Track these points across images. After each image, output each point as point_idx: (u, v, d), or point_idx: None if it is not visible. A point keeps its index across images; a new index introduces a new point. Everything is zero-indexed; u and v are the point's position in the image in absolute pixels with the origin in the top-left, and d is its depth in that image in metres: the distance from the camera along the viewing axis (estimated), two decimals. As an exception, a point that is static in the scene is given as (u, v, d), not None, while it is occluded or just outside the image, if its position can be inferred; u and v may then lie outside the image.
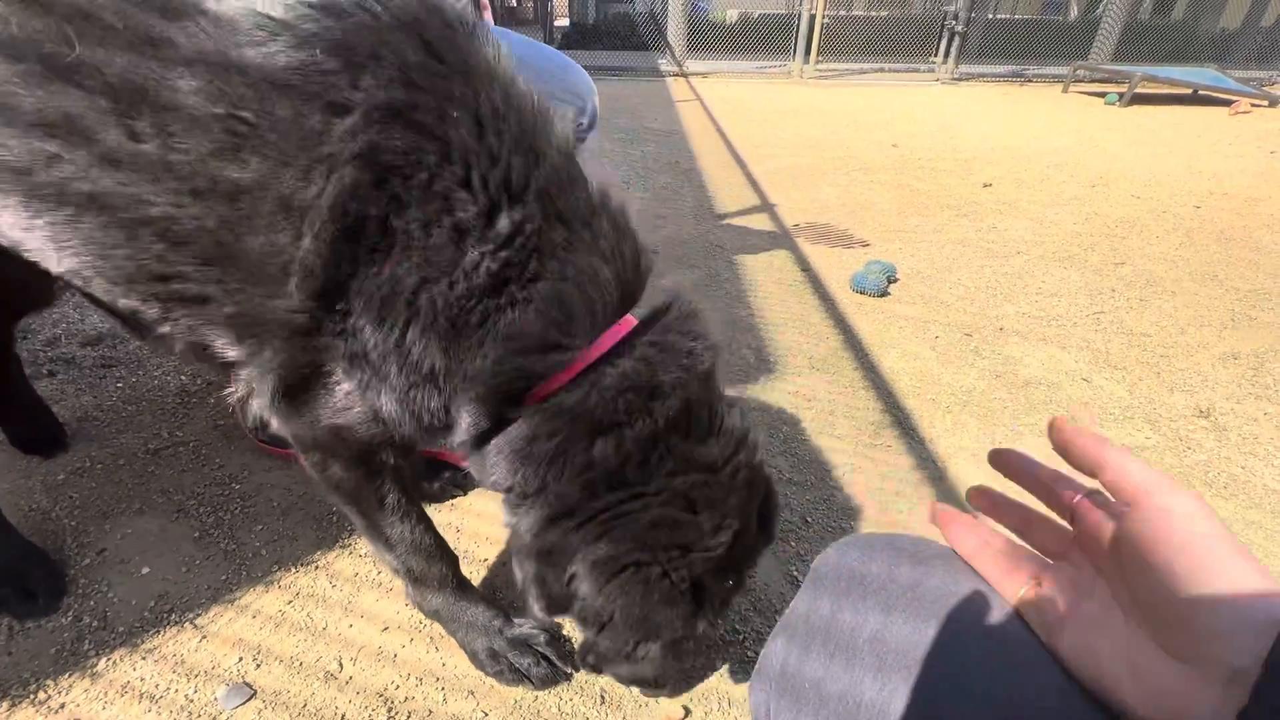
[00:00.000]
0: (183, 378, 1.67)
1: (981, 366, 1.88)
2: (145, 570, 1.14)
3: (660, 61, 8.90)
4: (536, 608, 0.77)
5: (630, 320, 0.73)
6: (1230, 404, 1.75)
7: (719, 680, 1.01)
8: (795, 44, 8.46)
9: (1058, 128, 5.54)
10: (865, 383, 1.79)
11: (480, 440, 0.72)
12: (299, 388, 0.73)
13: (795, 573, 1.19)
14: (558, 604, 0.76)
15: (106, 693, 0.95)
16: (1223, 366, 1.93)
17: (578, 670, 1.01)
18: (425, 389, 0.68)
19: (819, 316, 2.16)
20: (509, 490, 0.74)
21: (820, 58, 8.48)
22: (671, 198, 3.36)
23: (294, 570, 1.16)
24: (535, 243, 0.66)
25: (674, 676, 0.91)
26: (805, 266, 2.54)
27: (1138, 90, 6.65)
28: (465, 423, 0.70)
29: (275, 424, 0.80)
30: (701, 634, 0.77)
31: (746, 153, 4.33)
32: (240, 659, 1.00)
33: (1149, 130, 5.49)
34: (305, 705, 0.94)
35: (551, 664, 0.99)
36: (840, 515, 1.33)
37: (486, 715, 0.95)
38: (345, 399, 0.73)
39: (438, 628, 1.05)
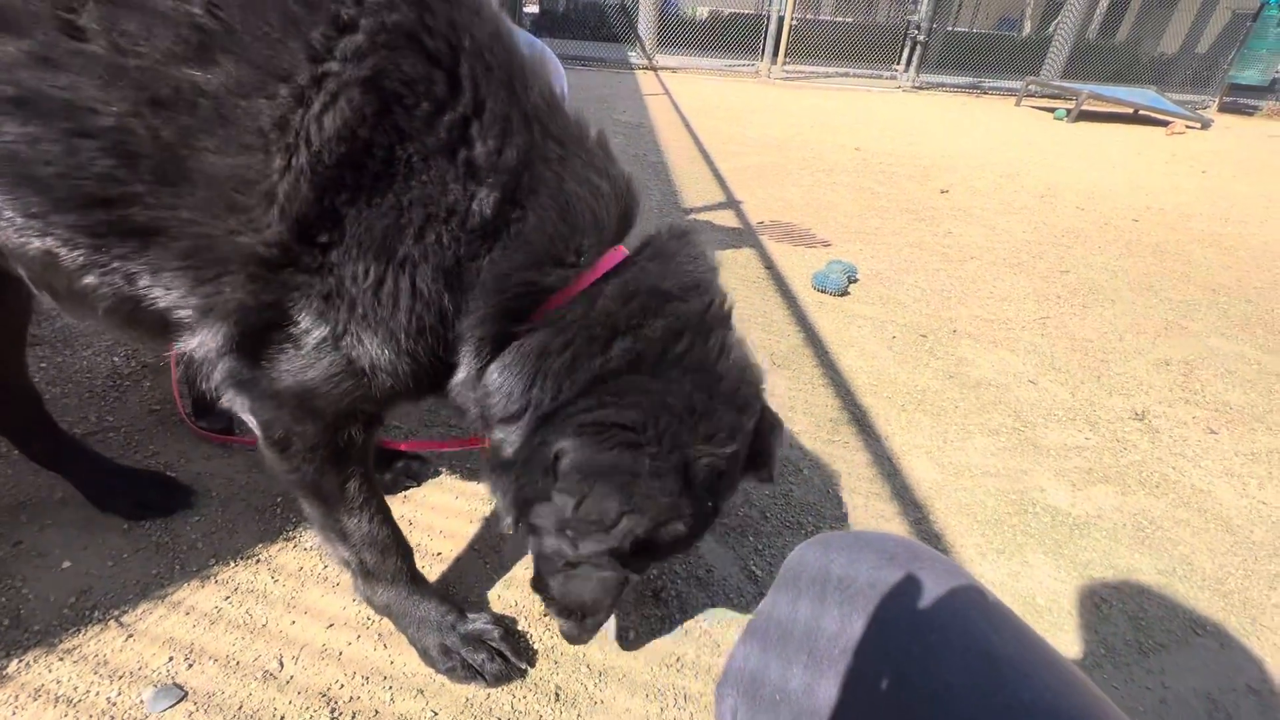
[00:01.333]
0: (115, 359, 1.57)
1: (935, 367, 1.93)
2: (66, 564, 1.06)
3: (630, 54, 8.84)
4: (507, 519, 0.74)
5: (623, 250, 0.73)
6: (1163, 408, 1.84)
7: (677, 676, 1.01)
8: (764, 44, 8.53)
9: (1010, 139, 5.75)
10: (824, 380, 1.81)
11: (481, 371, 0.70)
12: (259, 341, 0.66)
13: (753, 567, 1.20)
14: (529, 500, 0.73)
15: (17, 697, 0.88)
16: (1156, 372, 2.03)
17: (533, 666, 0.99)
18: (427, 326, 0.65)
19: (781, 314, 2.18)
20: (518, 415, 0.70)
21: (788, 59, 8.57)
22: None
23: (233, 564, 1.10)
24: (533, 159, 0.65)
25: (613, 599, 0.85)
26: (769, 264, 2.57)
27: (1084, 107, 6.96)
28: (468, 354, 0.68)
29: (230, 396, 0.72)
30: (673, 537, 0.73)
31: (713, 149, 4.35)
32: (170, 659, 0.94)
33: (1093, 145, 5.75)
34: (241, 707, 0.89)
35: (506, 660, 0.96)
36: (798, 510, 1.34)
37: (436, 715, 0.92)
38: (314, 351, 0.67)
39: (386, 624, 1.01)
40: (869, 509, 1.36)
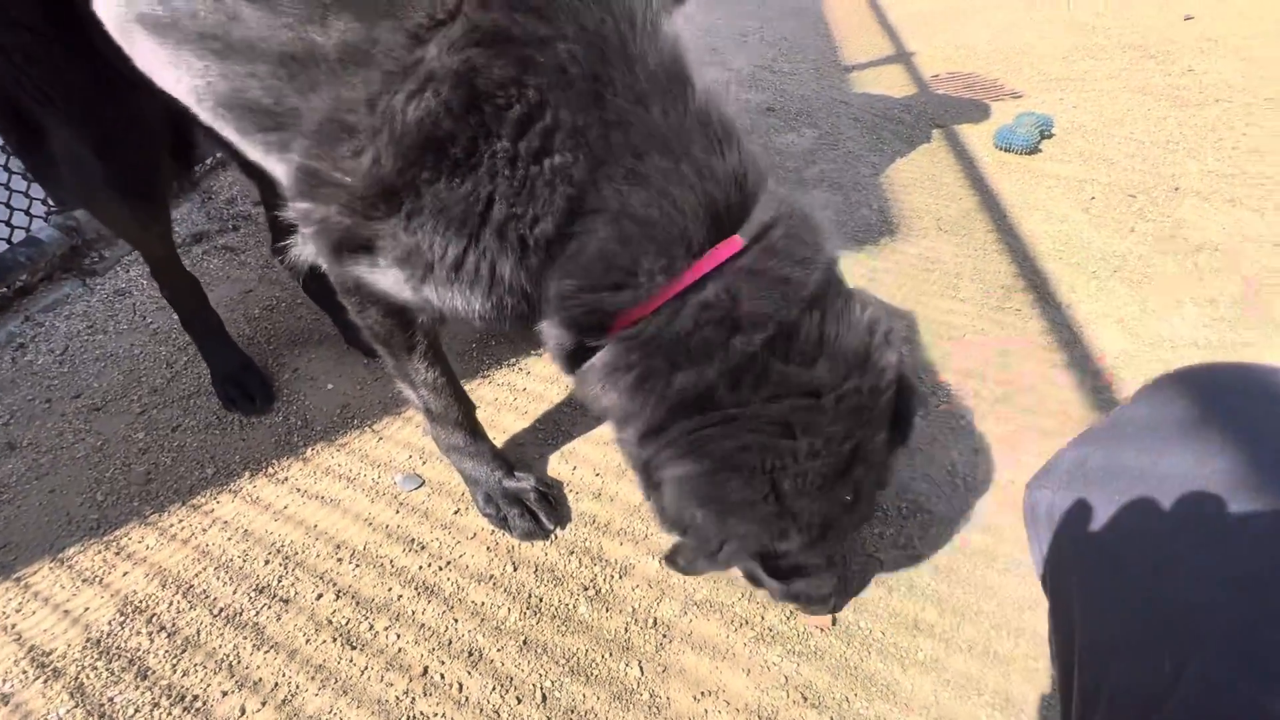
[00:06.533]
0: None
1: (1144, 230, 1.67)
2: (330, 386, 1.37)
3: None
4: (657, 520, 0.84)
5: (735, 242, 0.69)
6: None
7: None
8: None
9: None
10: (999, 245, 1.65)
11: (572, 361, 0.77)
12: (351, 256, 0.77)
13: (903, 423, 1.21)
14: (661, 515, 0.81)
15: (314, 473, 1.19)
16: None
17: (562, 528, 1.09)
18: (507, 296, 0.72)
19: (953, 176, 1.97)
20: (621, 424, 0.79)
21: None
22: (792, 50, 3.06)
23: (444, 394, 1.34)
24: (598, 176, 0.65)
25: (810, 591, 0.90)
26: (941, 122, 2.29)
27: None
28: (552, 339, 0.77)
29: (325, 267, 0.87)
30: (796, 549, 0.79)
31: (883, -7, 3.78)
32: (410, 456, 1.21)
33: None
34: (462, 495, 1.14)
35: (537, 520, 1.08)
36: (957, 375, 1.31)
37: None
38: (394, 284, 0.77)
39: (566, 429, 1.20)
40: (1039, 374, 1.28)
